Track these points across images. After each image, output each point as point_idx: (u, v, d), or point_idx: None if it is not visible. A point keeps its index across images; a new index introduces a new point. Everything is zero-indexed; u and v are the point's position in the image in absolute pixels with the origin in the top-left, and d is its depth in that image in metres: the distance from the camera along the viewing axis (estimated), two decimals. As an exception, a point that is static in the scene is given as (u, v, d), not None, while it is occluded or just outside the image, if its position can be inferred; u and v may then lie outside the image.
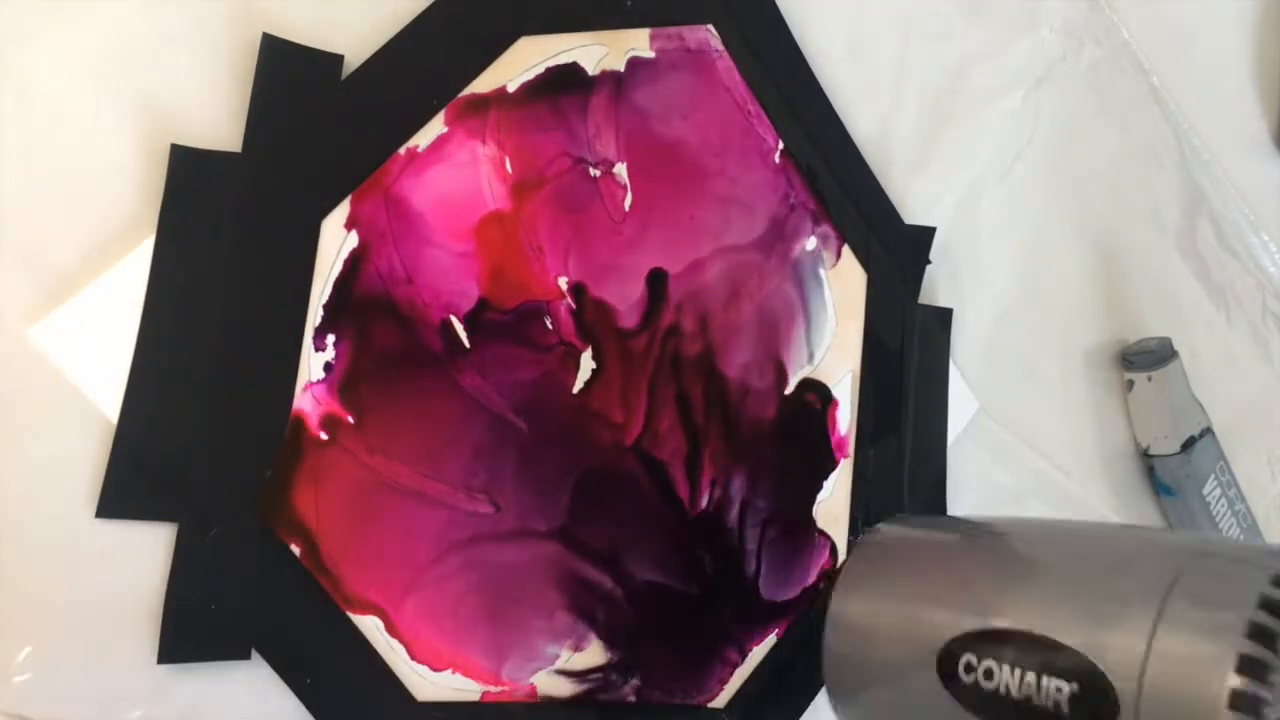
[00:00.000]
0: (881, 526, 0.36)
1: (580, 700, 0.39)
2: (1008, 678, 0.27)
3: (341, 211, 0.35)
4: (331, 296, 0.35)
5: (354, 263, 0.35)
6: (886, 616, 0.32)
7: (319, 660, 0.35)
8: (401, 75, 0.36)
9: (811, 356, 0.45)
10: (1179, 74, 0.57)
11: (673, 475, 0.41)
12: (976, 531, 0.35)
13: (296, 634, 0.34)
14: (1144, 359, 0.54)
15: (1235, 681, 0.23)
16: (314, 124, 0.35)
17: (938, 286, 0.50)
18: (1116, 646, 0.25)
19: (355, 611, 0.35)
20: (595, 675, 0.39)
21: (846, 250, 0.46)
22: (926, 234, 0.49)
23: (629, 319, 0.41)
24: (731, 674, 0.42)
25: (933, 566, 0.33)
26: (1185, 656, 0.24)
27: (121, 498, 0.32)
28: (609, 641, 0.40)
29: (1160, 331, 0.56)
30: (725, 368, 0.43)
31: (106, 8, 0.32)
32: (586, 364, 0.40)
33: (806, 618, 0.44)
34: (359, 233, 0.36)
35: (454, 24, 0.37)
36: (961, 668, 0.28)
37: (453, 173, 0.37)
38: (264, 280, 0.34)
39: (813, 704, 0.44)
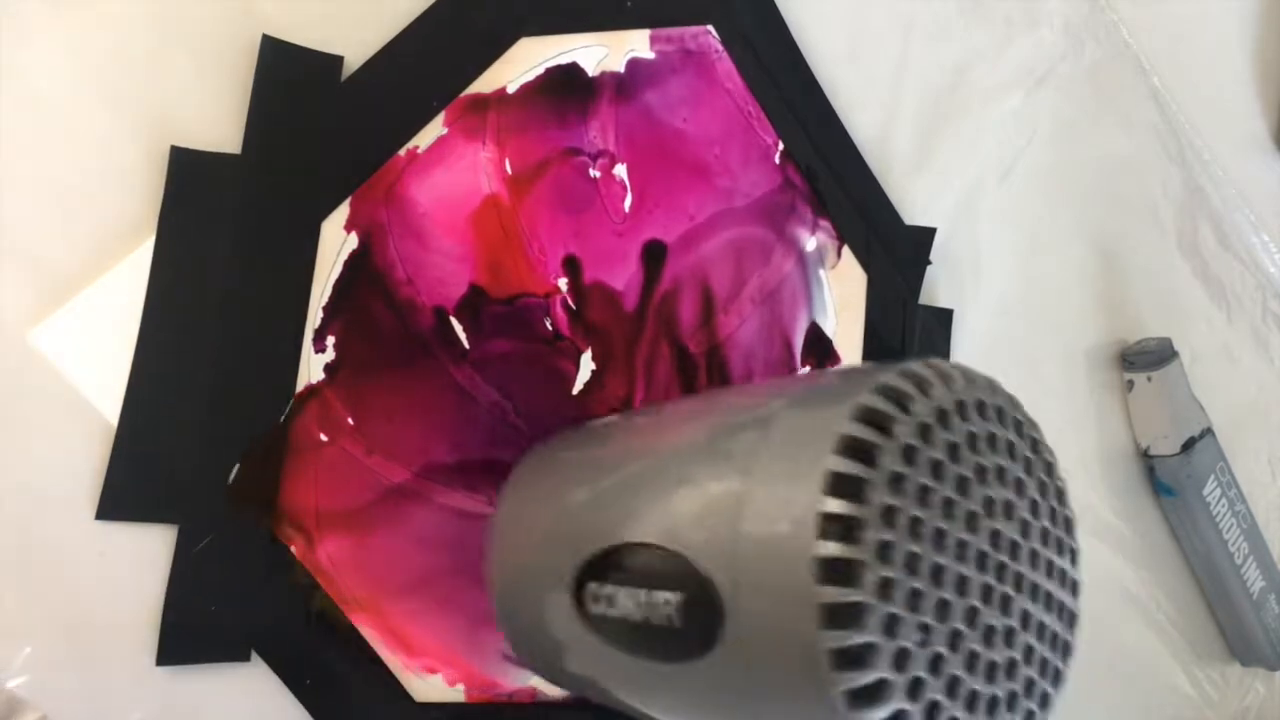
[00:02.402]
0: (555, 440, 0.34)
1: (581, 701, 0.39)
2: (626, 601, 0.24)
3: (341, 213, 0.35)
4: (331, 298, 0.35)
5: (354, 264, 0.35)
6: (529, 547, 0.30)
7: (319, 662, 0.35)
8: (401, 76, 0.36)
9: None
10: (1179, 74, 0.57)
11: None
12: (606, 439, 0.32)
13: (296, 635, 0.34)
14: (1144, 359, 0.54)
15: (823, 549, 0.19)
16: (314, 125, 0.35)
17: (938, 286, 0.50)
18: (707, 541, 0.22)
19: (355, 612, 0.35)
20: (595, 676, 0.40)
21: (846, 250, 0.46)
22: (926, 234, 0.49)
23: (629, 316, 0.41)
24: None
25: (554, 496, 0.31)
26: (769, 536, 0.21)
27: (121, 499, 0.32)
28: (609, 642, 0.40)
29: (1160, 331, 0.55)
30: (731, 363, 0.43)
31: (106, 9, 0.32)
32: (586, 365, 0.40)
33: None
34: (359, 234, 0.36)
35: (454, 25, 0.37)
36: (590, 598, 0.26)
37: (453, 174, 0.37)
38: (264, 282, 0.34)
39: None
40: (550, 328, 0.39)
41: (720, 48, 0.43)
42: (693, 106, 0.42)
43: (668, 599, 0.23)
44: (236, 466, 0.33)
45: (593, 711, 0.39)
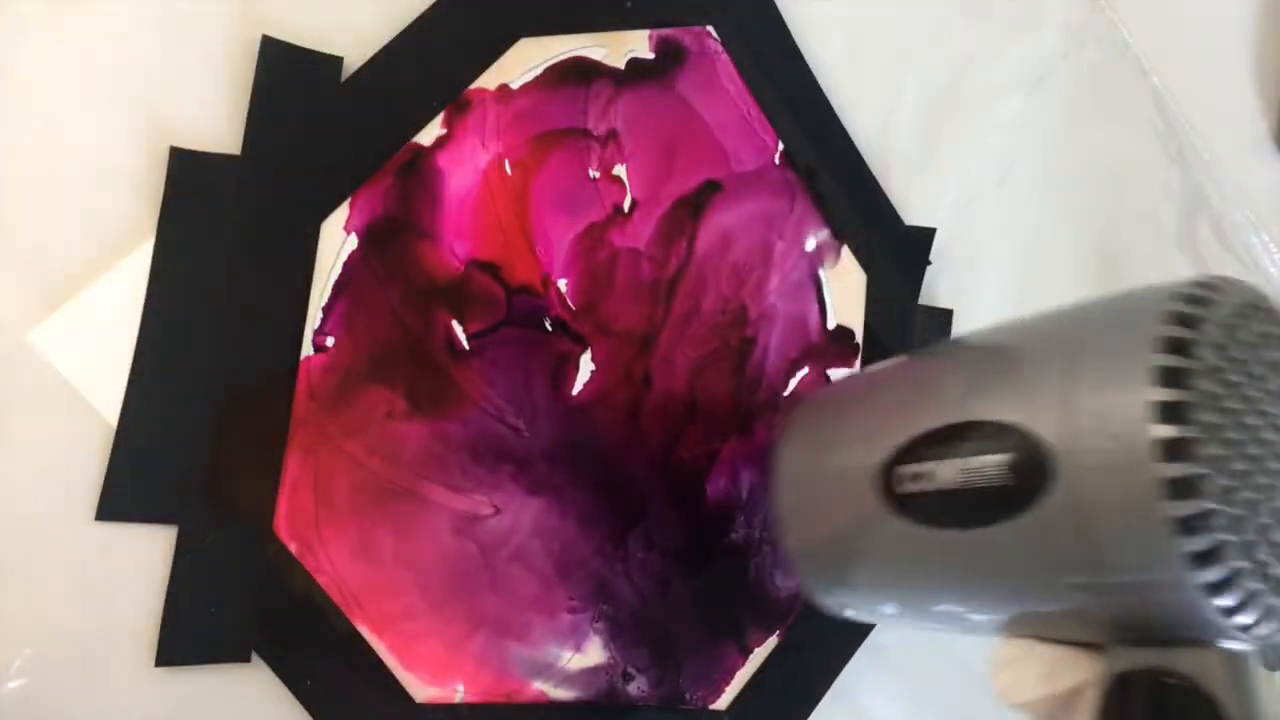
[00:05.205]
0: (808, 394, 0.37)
1: (583, 702, 0.39)
2: (944, 473, 0.27)
3: (341, 214, 0.35)
4: (331, 299, 0.35)
5: (354, 265, 0.35)
6: (825, 461, 0.33)
7: (319, 662, 0.35)
8: (401, 77, 0.36)
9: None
10: (1179, 74, 0.57)
11: (677, 467, 0.41)
12: (888, 364, 0.36)
13: (296, 636, 0.34)
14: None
15: (1161, 432, 0.22)
16: (314, 126, 0.35)
17: (938, 287, 0.50)
18: (1040, 411, 0.25)
19: (355, 612, 0.35)
20: (598, 676, 0.40)
21: (846, 251, 0.46)
22: (926, 234, 0.49)
23: (629, 317, 0.41)
24: (734, 675, 0.42)
25: (856, 404, 0.34)
26: (1104, 410, 0.24)
27: (121, 499, 0.32)
28: (612, 642, 0.40)
29: (1160, 331, 0.55)
30: (736, 363, 0.43)
31: (106, 10, 0.32)
32: (586, 365, 0.40)
33: (806, 618, 0.44)
34: (359, 234, 0.36)
35: (454, 25, 0.37)
36: (899, 481, 0.28)
37: (454, 173, 0.37)
38: (263, 283, 0.34)
39: (816, 709, 0.44)
40: (550, 330, 0.39)
41: (720, 48, 0.43)
42: (693, 106, 0.42)
43: (991, 462, 0.25)
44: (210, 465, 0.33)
45: (596, 713, 0.40)
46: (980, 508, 0.26)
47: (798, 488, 0.34)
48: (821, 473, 0.33)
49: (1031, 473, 0.24)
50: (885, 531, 0.29)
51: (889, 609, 0.32)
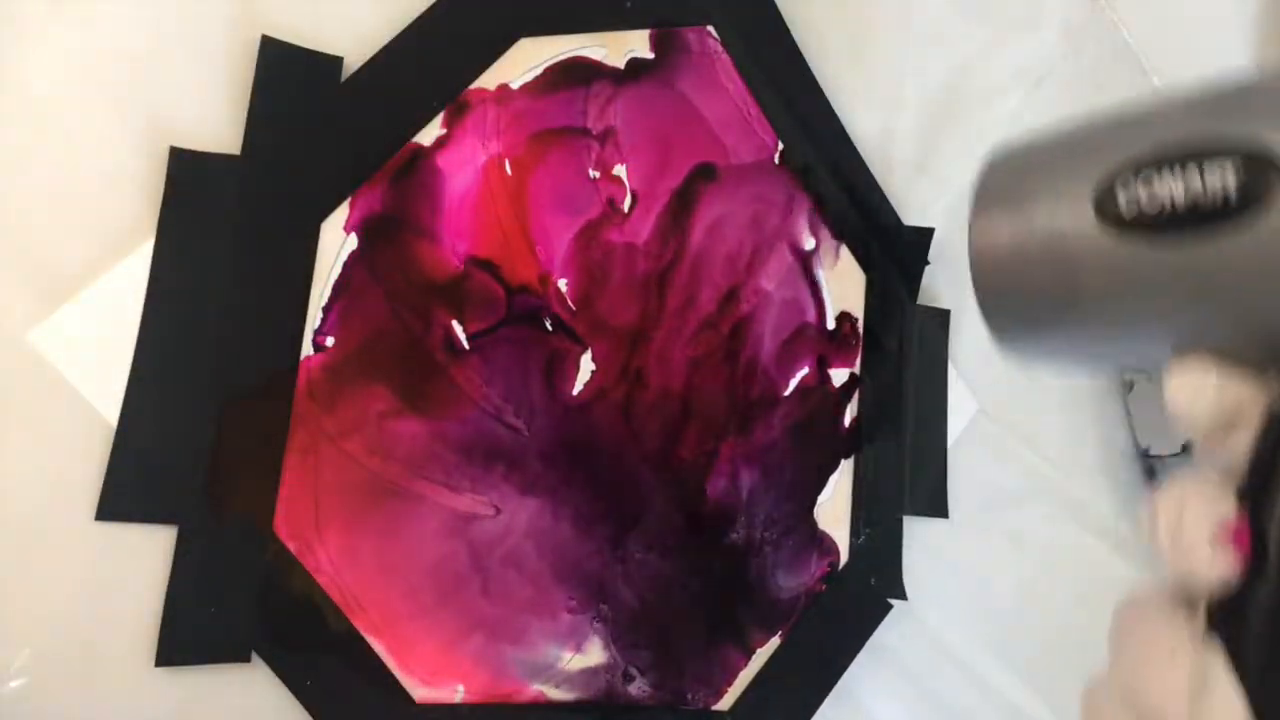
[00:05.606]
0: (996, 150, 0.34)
1: (584, 703, 0.39)
2: (1170, 188, 0.26)
3: (341, 214, 0.35)
4: (331, 299, 0.35)
5: (354, 265, 0.35)
6: (1034, 184, 0.30)
7: (319, 662, 0.35)
8: (401, 77, 0.36)
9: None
10: (1179, 74, 0.57)
11: (677, 467, 0.41)
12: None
13: (296, 636, 0.34)
14: (1145, 358, 0.54)
15: None
16: (314, 126, 0.35)
17: (937, 287, 0.50)
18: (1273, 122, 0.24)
19: (355, 612, 0.35)
20: (598, 677, 0.39)
21: (845, 251, 0.46)
22: (925, 235, 0.49)
23: (625, 312, 0.41)
24: (736, 676, 0.42)
25: (1069, 132, 0.31)
26: None
27: (121, 499, 0.32)
28: (613, 643, 0.40)
29: (1160, 331, 0.55)
30: (734, 362, 0.43)
31: (106, 10, 0.32)
32: (586, 365, 0.40)
33: (807, 619, 0.44)
34: (359, 234, 0.36)
35: (454, 25, 0.37)
36: (1121, 203, 0.27)
37: (453, 173, 0.37)
38: (264, 283, 0.34)
39: (818, 711, 0.44)
40: (550, 329, 0.39)
41: (720, 47, 0.43)
42: (692, 106, 0.42)
43: (1216, 174, 0.25)
44: (209, 466, 0.33)
45: (597, 713, 0.39)
46: (1201, 223, 0.25)
47: (1002, 217, 0.31)
48: (1030, 197, 0.30)
49: (1258, 189, 0.24)
50: (1103, 262, 0.28)
51: (1092, 345, 0.30)
